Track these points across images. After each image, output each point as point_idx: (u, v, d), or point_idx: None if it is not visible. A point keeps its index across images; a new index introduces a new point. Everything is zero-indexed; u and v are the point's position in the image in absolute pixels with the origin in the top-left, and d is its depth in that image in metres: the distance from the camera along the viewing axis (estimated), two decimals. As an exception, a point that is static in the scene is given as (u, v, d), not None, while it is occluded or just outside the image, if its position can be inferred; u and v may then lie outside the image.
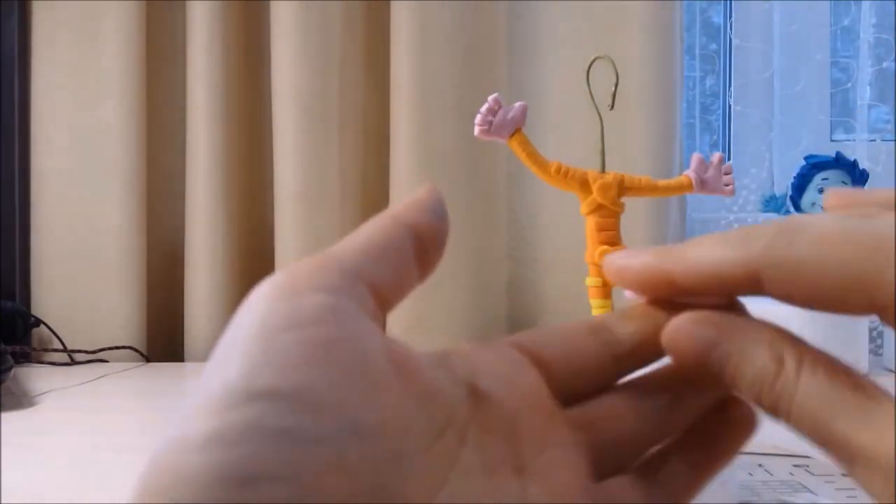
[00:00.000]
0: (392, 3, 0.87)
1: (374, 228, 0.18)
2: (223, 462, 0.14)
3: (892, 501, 0.15)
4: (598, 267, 0.40)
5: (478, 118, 0.38)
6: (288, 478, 0.14)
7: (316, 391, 0.15)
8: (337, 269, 0.17)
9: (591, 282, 0.40)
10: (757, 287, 0.18)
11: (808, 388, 0.17)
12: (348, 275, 0.17)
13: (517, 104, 0.38)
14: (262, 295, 0.16)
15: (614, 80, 0.43)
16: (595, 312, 0.40)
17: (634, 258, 0.20)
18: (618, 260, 0.20)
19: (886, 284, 0.16)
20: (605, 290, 0.40)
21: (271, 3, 0.88)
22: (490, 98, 0.38)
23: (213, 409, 0.14)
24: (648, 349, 0.20)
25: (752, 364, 0.18)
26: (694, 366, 0.19)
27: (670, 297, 0.20)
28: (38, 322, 0.88)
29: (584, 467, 0.19)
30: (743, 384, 0.18)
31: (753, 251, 0.18)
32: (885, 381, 0.18)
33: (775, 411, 0.17)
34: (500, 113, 0.38)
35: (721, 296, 0.19)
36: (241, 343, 0.15)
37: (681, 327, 0.19)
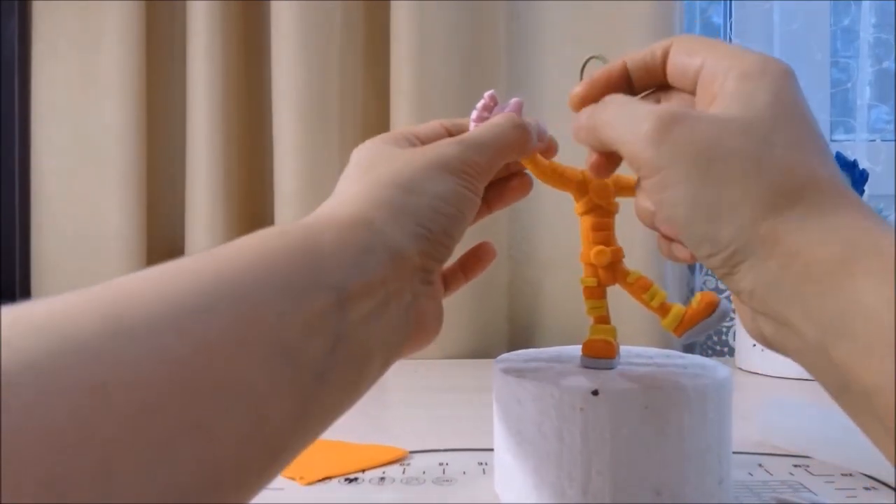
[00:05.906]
0: (392, 3, 0.87)
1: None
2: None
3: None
4: (593, 267, 0.39)
5: (473, 114, 0.37)
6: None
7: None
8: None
9: (586, 282, 0.40)
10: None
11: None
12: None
13: (512, 100, 0.38)
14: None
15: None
16: (589, 312, 0.40)
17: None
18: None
19: None
20: (600, 290, 0.40)
21: (271, 3, 0.88)
22: (486, 94, 0.37)
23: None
24: None
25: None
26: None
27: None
28: (38, 322, 0.88)
29: None
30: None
31: None
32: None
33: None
34: (496, 110, 0.37)
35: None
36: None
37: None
